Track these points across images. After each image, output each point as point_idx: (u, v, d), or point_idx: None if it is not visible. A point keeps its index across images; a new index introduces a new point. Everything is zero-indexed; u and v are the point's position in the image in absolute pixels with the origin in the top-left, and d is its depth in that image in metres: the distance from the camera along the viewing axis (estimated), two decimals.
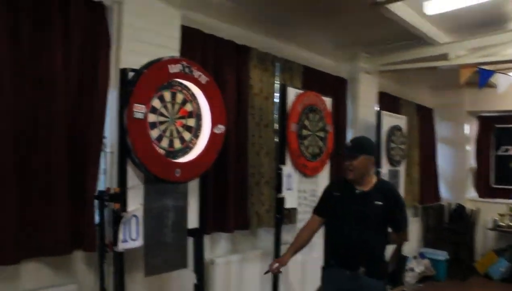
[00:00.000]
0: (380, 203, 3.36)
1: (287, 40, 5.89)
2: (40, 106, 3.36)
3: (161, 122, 4.45)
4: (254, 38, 5.41)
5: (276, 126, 5.43)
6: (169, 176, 4.37)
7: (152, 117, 4.40)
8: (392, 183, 5.27)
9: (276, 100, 5.53)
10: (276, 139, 5.39)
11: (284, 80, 5.75)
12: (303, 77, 6.16)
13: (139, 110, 4.22)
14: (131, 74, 4.24)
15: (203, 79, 4.66)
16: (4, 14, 3.03)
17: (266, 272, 3.73)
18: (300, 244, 3.70)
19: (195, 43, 4.69)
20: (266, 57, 5.56)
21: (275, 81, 5.67)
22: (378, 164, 6.43)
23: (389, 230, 3.57)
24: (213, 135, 4.76)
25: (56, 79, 3.45)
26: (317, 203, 3.91)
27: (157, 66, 4.34)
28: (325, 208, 3.74)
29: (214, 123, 4.80)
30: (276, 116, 5.58)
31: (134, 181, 4.23)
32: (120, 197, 4.04)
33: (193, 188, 4.26)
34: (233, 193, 5.11)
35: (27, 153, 3.26)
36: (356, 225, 3.36)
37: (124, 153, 4.21)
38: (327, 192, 3.80)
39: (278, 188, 5.43)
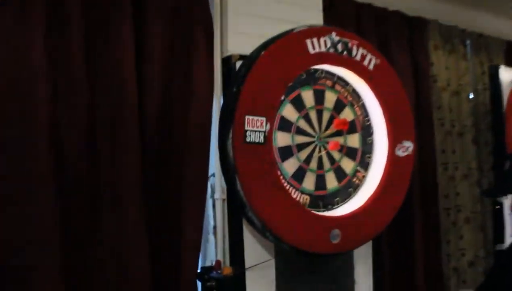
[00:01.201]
0: None
1: (479, 7, 4.14)
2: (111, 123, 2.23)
3: (300, 146, 2.56)
4: (433, 6, 3.89)
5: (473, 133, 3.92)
6: (320, 245, 2.41)
7: (283, 139, 2.48)
8: None
9: (472, 95, 4.12)
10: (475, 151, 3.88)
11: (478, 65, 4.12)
12: (507, 57, 4.34)
13: (257, 128, 2.29)
14: (239, 64, 2.43)
15: (371, 62, 2.41)
16: None
17: None
18: None
19: (344, 17, 3.25)
20: (452, 33, 4.02)
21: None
22: None
23: None
24: (395, 160, 2.75)
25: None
26: None
27: (285, 42, 2.39)
28: None
29: (395, 139, 2.76)
30: (473, 119, 4.11)
31: (256, 253, 2.36)
32: (233, 282, 2.22)
33: (362, 253, 2.75)
34: (421, 247, 3.49)
35: None
36: None
37: (234, 206, 2.39)
38: None
39: (498, 234, 3.39)
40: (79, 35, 2.21)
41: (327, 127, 2.60)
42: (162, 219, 2.35)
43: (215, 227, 2.53)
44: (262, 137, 2.25)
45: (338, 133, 2.67)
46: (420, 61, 3.89)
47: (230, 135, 2.22)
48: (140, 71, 2.35)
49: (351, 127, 2.73)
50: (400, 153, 2.72)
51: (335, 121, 2.50)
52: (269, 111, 2.28)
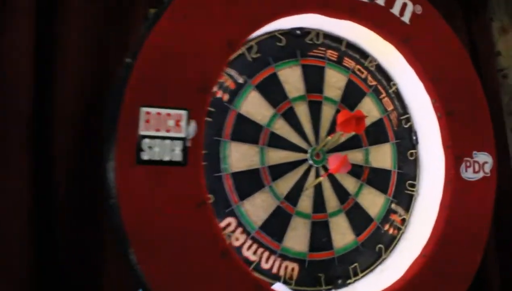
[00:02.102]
0: None
1: None
2: None
3: (279, 169, 1.40)
4: None
5: None
6: None
7: (241, 157, 1.38)
8: None
9: None
10: None
11: None
12: None
13: (167, 132, 1.17)
14: None
15: (405, 10, 1.40)
16: None
17: None
18: None
19: None
20: None
21: None
22: None
23: None
24: (461, 189, 1.46)
25: None
26: None
27: None
28: None
29: (459, 151, 1.49)
30: None
31: None
32: None
33: None
34: None
35: None
36: None
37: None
38: None
39: None
40: None
41: (329, 133, 1.28)
42: None
43: None
44: (178, 151, 1.00)
45: (350, 143, 1.45)
46: (481, 50, 2.58)
47: (113, 149, 0.94)
48: None
49: (377, 134, 1.49)
50: (470, 174, 1.36)
51: (339, 117, 1.17)
52: (196, 98, 1.02)
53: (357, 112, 1.25)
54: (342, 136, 1.34)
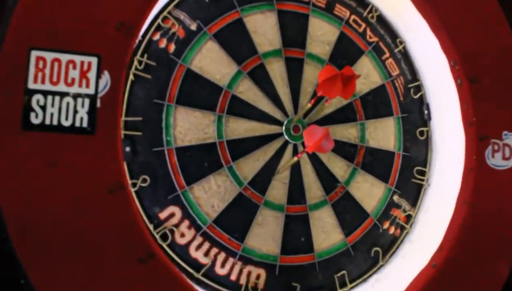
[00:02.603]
0: None
1: None
2: None
3: (245, 146, 1.05)
4: None
5: None
6: None
7: (191, 128, 1.03)
8: None
9: None
10: None
11: None
12: None
13: (69, 86, 0.79)
14: None
15: None
16: None
17: None
18: None
19: None
20: None
21: None
22: None
23: None
24: (485, 178, 1.06)
25: None
26: None
27: None
28: None
29: (484, 130, 1.08)
30: None
31: None
32: None
33: None
34: None
35: None
36: None
37: None
38: None
39: None
40: None
41: (311, 99, 0.92)
42: None
43: None
44: (84, 113, 0.64)
45: (341, 115, 1.15)
46: None
47: None
48: None
49: (378, 104, 1.19)
50: (498, 161, 0.97)
51: (321, 75, 0.81)
52: (113, 40, 0.71)
53: (345, 69, 0.88)
54: (326, 103, 0.97)
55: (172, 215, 0.96)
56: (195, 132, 0.99)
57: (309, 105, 0.98)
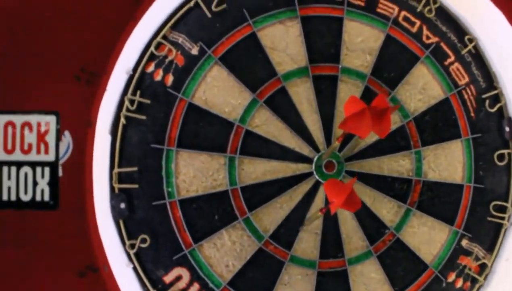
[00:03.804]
0: None
1: None
2: None
3: (266, 192, 0.85)
4: None
5: None
6: None
7: (195, 176, 0.83)
8: None
9: None
10: None
11: None
12: None
13: None
14: None
15: None
16: None
17: None
18: None
19: None
20: None
21: None
22: None
23: None
24: None
25: None
26: None
27: None
28: None
29: None
30: None
31: None
32: None
33: None
34: None
35: None
36: None
37: None
38: None
39: None
40: None
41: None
42: None
43: None
44: (45, 186, 0.49)
45: (388, 142, 0.90)
46: None
47: None
48: None
49: (439, 125, 0.93)
50: None
51: (346, 108, 0.57)
52: (73, 88, 0.57)
53: (376, 100, 0.63)
54: (360, 139, 0.73)
55: (179, 278, 0.80)
56: (202, 180, 0.81)
57: (337, 143, 0.75)
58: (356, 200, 0.66)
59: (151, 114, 0.81)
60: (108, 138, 0.78)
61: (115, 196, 0.78)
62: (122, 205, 0.79)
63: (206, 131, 0.82)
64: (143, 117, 0.80)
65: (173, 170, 0.81)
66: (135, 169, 0.79)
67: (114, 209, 0.80)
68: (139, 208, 0.80)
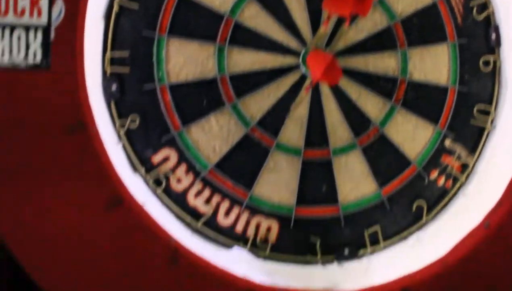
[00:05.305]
0: None
1: None
2: None
3: (252, 79, 0.90)
4: None
5: None
6: None
7: (187, 62, 0.88)
8: None
9: None
10: None
11: None
12: None
13: None
14: None
15: None
16: None
17: None
18: None
19: None
20: None
21: None
22: None
23: None
24: None
25: None
26: None
27: None
28: None
29: None
30: None
31: None
32: None
33: None
34: None
35: None
36: None
37: None
38: None
39: None
40: None
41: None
42: None
43: None
44: (38, 48, 0.56)
45: (377, 41, 0.92)
46: None
47: None
48: None
49: (426, 27, 0.95)
50: None
51: None
52: None
53: None
54: (345, 25, 0.76)
55: (166, 159, 0.84)
56: (192, 66, 0.84)
57: (323, 28, 0.78)
58: (336, 72, 0.68)
59: (143, 3, 0.84)
60: (101, 23, 0.82)
61: (106, 79, 0.82)
62: (114, 87, 0.82)
63: (196, 21, 0.85)
64: (135, 7, 0.84)
65: (163, 56, 0.84)
66: (127, 54, 0.83)
67: (106, 91, 0.83)
68: (130, 91, 0.83)
